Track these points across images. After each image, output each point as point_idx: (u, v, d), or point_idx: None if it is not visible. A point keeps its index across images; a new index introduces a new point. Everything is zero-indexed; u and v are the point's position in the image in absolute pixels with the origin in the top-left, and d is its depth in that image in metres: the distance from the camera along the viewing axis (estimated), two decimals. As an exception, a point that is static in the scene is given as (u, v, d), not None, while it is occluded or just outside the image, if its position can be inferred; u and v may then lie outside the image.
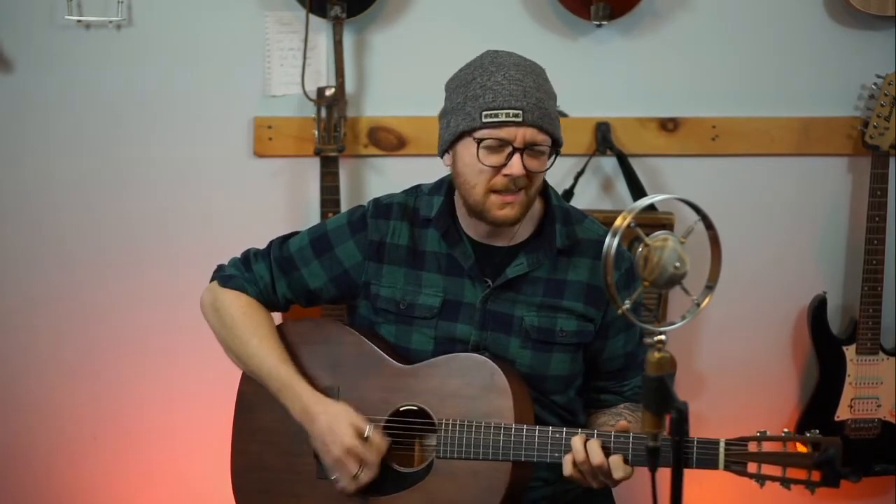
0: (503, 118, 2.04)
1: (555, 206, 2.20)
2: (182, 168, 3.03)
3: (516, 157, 2.05)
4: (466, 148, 2.09)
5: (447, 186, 2.23)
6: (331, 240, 2.28)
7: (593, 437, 2.02)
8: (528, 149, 2.06)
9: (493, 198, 2.09)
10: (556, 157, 2.13)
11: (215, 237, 3.03)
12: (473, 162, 2.07)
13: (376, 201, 2.29)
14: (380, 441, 2.12)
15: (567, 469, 2.02)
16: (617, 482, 2.02)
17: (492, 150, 2.06)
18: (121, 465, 3.15)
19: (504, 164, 2.06)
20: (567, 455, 2.02)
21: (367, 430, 2.12)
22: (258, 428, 2.27)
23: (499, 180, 2.07)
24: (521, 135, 2.05)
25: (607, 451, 1.99)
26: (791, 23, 3.06)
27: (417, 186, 2.30)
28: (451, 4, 2.99)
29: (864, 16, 2.99)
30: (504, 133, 2.05)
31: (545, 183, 2.21)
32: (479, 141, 2.06)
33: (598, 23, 2.90)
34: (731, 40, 3.06)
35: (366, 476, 2.12)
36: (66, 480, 3.16)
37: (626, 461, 1.99)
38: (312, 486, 2.20)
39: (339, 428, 2.12)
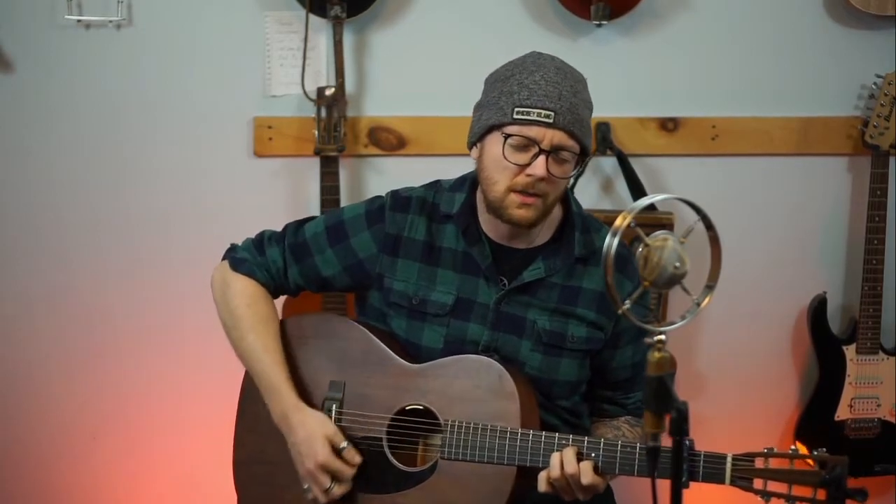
0: (534, 117, 2.03)
1: (575, 214, 2.21)
2: (182, 168, 3.03)
3: (541, 158, 2.05)
4: (494, 142, 2.08)
5: (470, 184, 2.22)
6: (347, 229, 2.26)
7: (598, 447, 2.01)
8: (554, 152, 2.05)
9: (513, 196, 2.08)
10: (582, 168, 2.12)
11: (215, 237, 3.00)
12: (499, 157, 2.07)
13: (395, 193, 2.27)
14: (353, 457, 2.14)
15: (541, 485, 2.03)
16: (587, 493, 2.01)
17: (518, 148, 2.06)
18: (121, 464, 3.15)
19: (528, 164, 2.06)
20: (543, 472, 2.02)
21: (342, 443, 2.13)
22: (260, 421, 2.26)
23: (521, 179, 2.07)
24: (550, 137, 2.04)
25: (581, 459, 2.00)
26: (791, 23, 3.06)
27: (437, 181, 2.29)
28: (451, 4, 2.99)
29: (864, 16, 2.99)
30: (533, 132, 2.04)
31: (566, 190, 2.21)
32: (507, 136, 2.05)
33: (598, 23, 2.90)
34: (731, 40, 3.06)
35: (338, 490, 2.14)
36: (66, 480, 3.16)
37: (596, 469, 1.99)
38: None
39: (315, 441, 2.13)
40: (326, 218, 2.31)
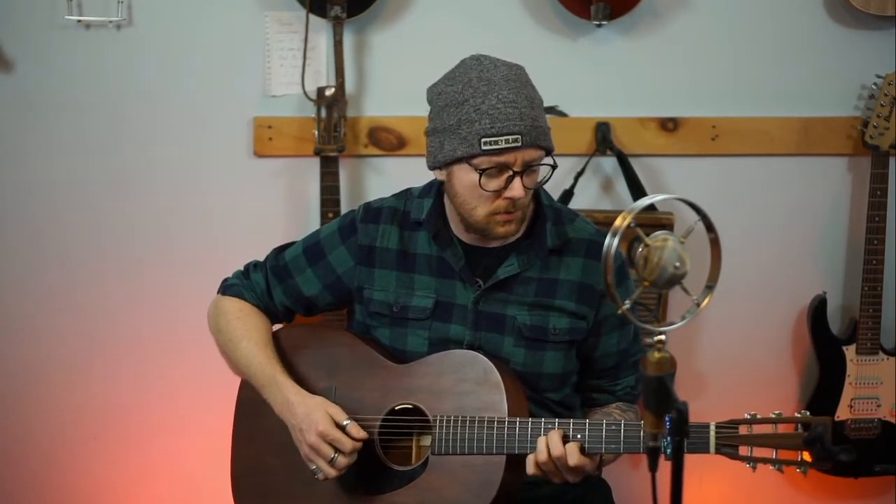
0: (503, 145, 2.03)
1: (546, 207, 2.21)
2: (182, 168, 3.03)
3: (517, 180, 2.06)
4: (464, 173, 2.09)
5: (437, 189, 2.24)
6: (323, 247, 2.30)
7: (583, 429, 2.02)
8: (526, 169, 2.06)
9: (496, 217, 2.10)
10: (552, 171, 2.12)
11: (215, 237, 3.03)
12: (473, 186, 2.07)
13: (366, 206, 2.31)
14: (357, 431, 2.13)
15: (529, 468, 2.03)
16: (576, 474, 2.02)
17: (491, 175, 2.06)
18: (121, 465, 3.15)
19: (504, 187, 2.06)
20: (531, 455, 2.03)
21: (345, 420, 2.13)
22: (257, 432, 2.28)
23: (501, 203, 2.08)
24: (521, 158, 2.05)
25: (566, 441, 2.01)
26: (791, 23, 3.06)
27: (408, 190, 2.31)
28: (452, 4, 2.99)
29: (864, 16, 2.99)
30: (504, 158, 2.04)
31: None
32: (481, 170, 2.05)
33: (598, 23, 2.90)
34: (731, 40, 3.06)
35: (343, 460, 2.12)
36: (66, 480, 3.16)
37: (582, 450, 2.00)
38: (311, 488, 2.20)
39: (315, 415, 2.13)
40: (304, 240, 2.35)
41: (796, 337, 3.22)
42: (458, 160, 2.08)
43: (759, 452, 1.89)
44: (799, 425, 1.90)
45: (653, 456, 1.53)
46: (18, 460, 3.15)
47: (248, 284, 2.33)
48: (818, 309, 3.11)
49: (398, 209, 2.27)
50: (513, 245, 2.20)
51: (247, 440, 2.30)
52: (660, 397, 1.48)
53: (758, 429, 1.90)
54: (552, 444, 2.00)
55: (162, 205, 3.04)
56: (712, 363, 3.22)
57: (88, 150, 3.01)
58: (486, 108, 2.04)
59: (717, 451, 1.92)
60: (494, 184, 2.07)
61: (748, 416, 1.90)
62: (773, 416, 1.90)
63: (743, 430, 1.90)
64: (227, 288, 2.35)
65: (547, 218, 2.20)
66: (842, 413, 3.10)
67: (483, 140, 2.03)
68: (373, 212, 2.28)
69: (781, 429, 1.91)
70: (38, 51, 2.93)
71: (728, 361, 3.21)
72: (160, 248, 3.06)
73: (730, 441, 1.91)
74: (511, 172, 2.05)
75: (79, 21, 2.91)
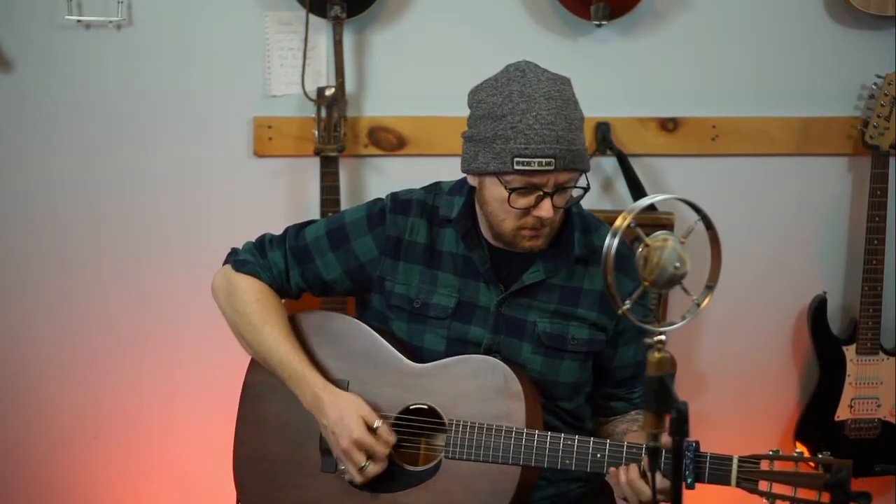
0: (535, 167, 2.01)
1: (574, 215, 2.19)
2: (182, 168, 3.03)
3: (546, 200, 2.04)
4: (495, 186, 2.07)
5: (469, 188, 2.21)
6: (348, 232, 2.26)
7: (603, 448, 2.03)
8: (557, 190, 2.05)
9: (523, 232, 2.10)
10: (585, 192, 2.10)
11: (215, 237, 3.01)
12: (503, 200, 2.06)
13: (394, 196, 2.27)
14: (388, 435, 2.12)
15: None
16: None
17: (521, 193, 2.05)
18: (121, 464, 3.15)
19: (533, 206, 2.05)
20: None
21: (376, 422, 2.12)
22: (263, 418, 2.26)
23: (529, 220, 2.07)
24: (553, 180, 2.04)
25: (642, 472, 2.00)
26: (791, 23, 3.06)
27: (437, 184, 2.28)
28: (452, 4, 2.99)
29: (864, 16, 2.99)
30: (535, 180, 2.03)
31: None
32: (511, 188, 2.04)
33: (597, 23, 2.90)
34: (731, 40, 3.07)
35: (373, 468, 2.11)
36: (66, 480, 3.16)
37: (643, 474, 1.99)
38: (316, 478, 2.20)
39: (348, 419, 2.11)
40: (328, 222, 2.31)
41: (796, 337, 3.22)
42: (490, 174, 2.07)
43: (777, 488, 1.90)
44: (820, 466, 1.90)
45: (653, 456, 1.53)
46: (18, 460, 3.15)
47: (265, 263, 2.27)
48: (818, 309, 3.10)
49: (427, 203, 2.24)
50: (540, 251, 2.18)
51: (251, 426, 2.29)
52: (660, 397, 1.48)
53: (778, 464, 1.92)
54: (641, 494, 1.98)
55: (162, 205, 3.04)
56: (712, 363, 3.22)
57: (88, 150, 3.00)
58: (522, 126, 2.01)
59: (738, 485, 1.94)
60: (524, 202, 2.05)
61: (771, 453, 1.92)
62: (796, 454, 1.92)
63: (764, 465, 1.92)
64: (240, 264, 2.28)
65: (575, 226, 2.18)
66: (842, 413, 3.10)
67: (516, 159, 2.01)
68: (402, 203, 2.25)
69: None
70: (38, 51, 2.93)
71: (728, 361, 3.21)
72: (160, 248, 3.06)
73: (751, 476, 1.92)
74: (541, 192, 2.04)
75: (79, 21, 2.91)
